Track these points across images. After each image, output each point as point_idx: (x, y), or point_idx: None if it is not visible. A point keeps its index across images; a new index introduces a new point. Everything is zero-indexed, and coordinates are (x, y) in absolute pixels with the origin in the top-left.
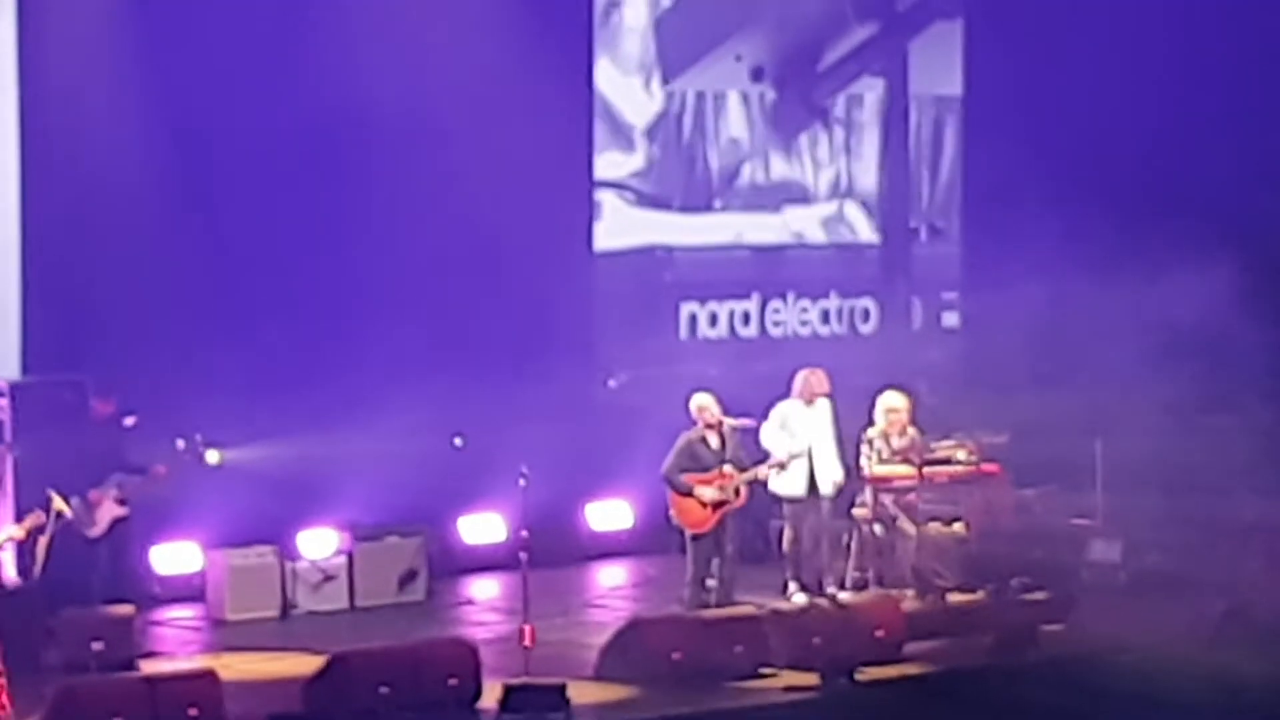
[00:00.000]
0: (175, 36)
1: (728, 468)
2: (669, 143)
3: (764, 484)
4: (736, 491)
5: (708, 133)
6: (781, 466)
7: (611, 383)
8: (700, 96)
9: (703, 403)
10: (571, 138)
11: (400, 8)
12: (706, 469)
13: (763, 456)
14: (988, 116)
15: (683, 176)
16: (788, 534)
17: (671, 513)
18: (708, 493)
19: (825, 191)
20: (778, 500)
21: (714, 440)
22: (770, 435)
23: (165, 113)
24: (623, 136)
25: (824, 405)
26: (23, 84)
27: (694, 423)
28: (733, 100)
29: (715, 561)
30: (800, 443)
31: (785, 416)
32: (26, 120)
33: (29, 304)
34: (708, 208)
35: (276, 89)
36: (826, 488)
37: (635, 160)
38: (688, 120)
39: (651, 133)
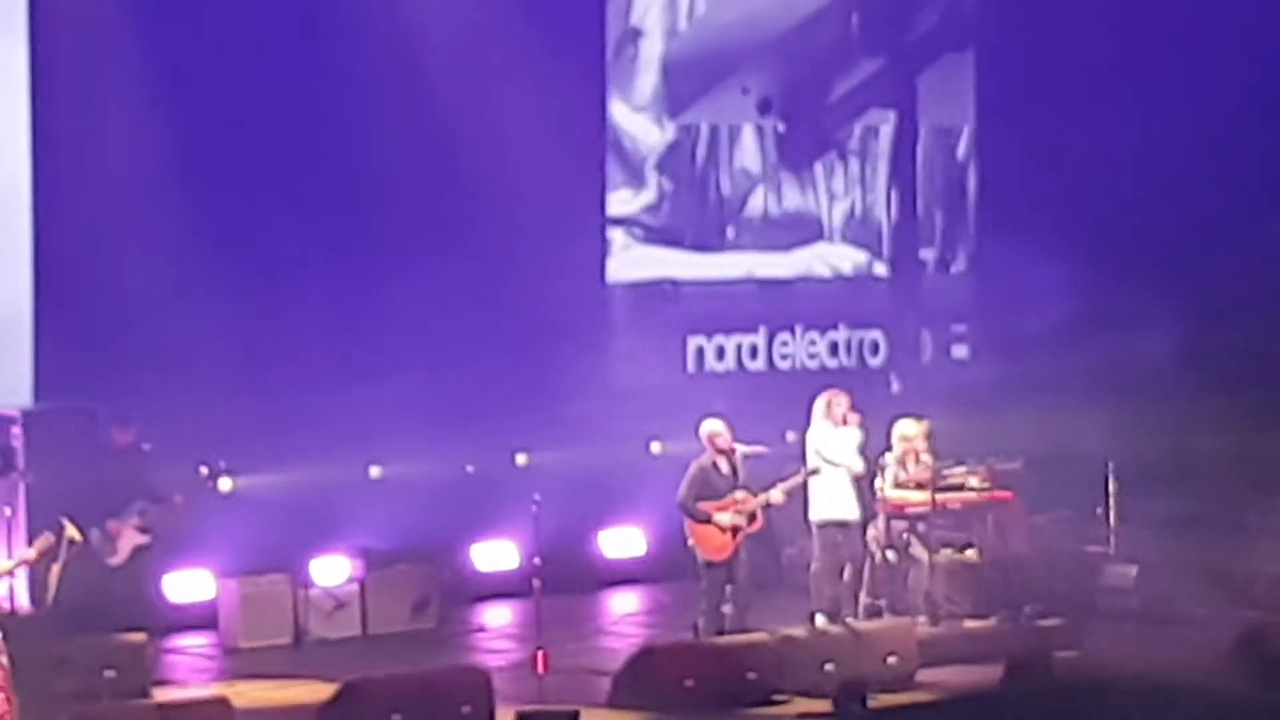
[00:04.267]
0: (192, 60)
1: (741, 493)
2: (681, 177)
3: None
4: (753, 516)
5: (721, 166)
6: (791, 490)
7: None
8: (714, 129)
9: (713, 429)
10: (585, 172)
11: (415, 46)
12: (720, 495)
13: (772, 482)
14: (998, 148)
15: (695, 212)
16: (819, 562)
17: (690, 541)
18: (725, 519)
19: (839, 225)
20: (810, 526)
21: (725, 466)
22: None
23: (182, 139)
24: (634, 171)
25: (854, 428)
26: (35, 106)
27: (703, 449)
28: (746, 132)
29: (729, 588)
30: (835, 458)
31: (819, 440)
32: (39, 145)
33: (41, 331)
34: (720, 246)
35: (296, 121)
36: (856, 513)
37: (646, 196)
38: (701, 153)
39: (663, 166)
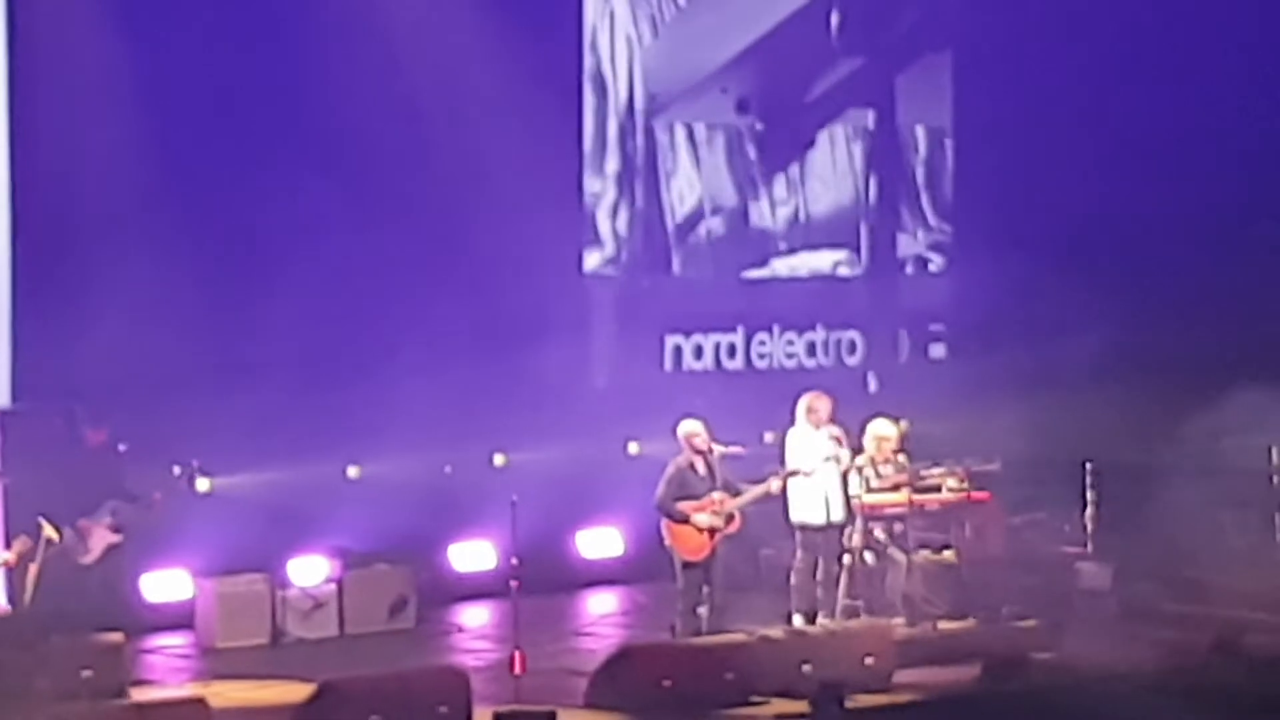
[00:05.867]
0: (175, 64)
1: (718, 494)
2: (630, 219)
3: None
4: (730, 517)
5: (667, 195)
6: (770, 489)
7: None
8: (650, 158)
9: (691, 429)
10: (560, 161)
11: (396, 47)
12: (696, 496)
13: (751, 482)
14: (977, 148)
15: (646, 256)
16: (800, 563)
17: (667, 541)
18: (703, 519)
19: (816, 225)
20: (791, 528)
21: (701, 467)
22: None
23: (162, 139)
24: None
25: (832, 430)
26: (12, 105)
27: (680, 449)
28: (683, 154)
29: (705, 589)
30: (805, 465)
31: (798, 442)
32: (16, 142)
33: (19, 331)
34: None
35: (277, 124)
36: (838, 515)
37: (605, 250)
38: (640, 189)
39: (614, 211)
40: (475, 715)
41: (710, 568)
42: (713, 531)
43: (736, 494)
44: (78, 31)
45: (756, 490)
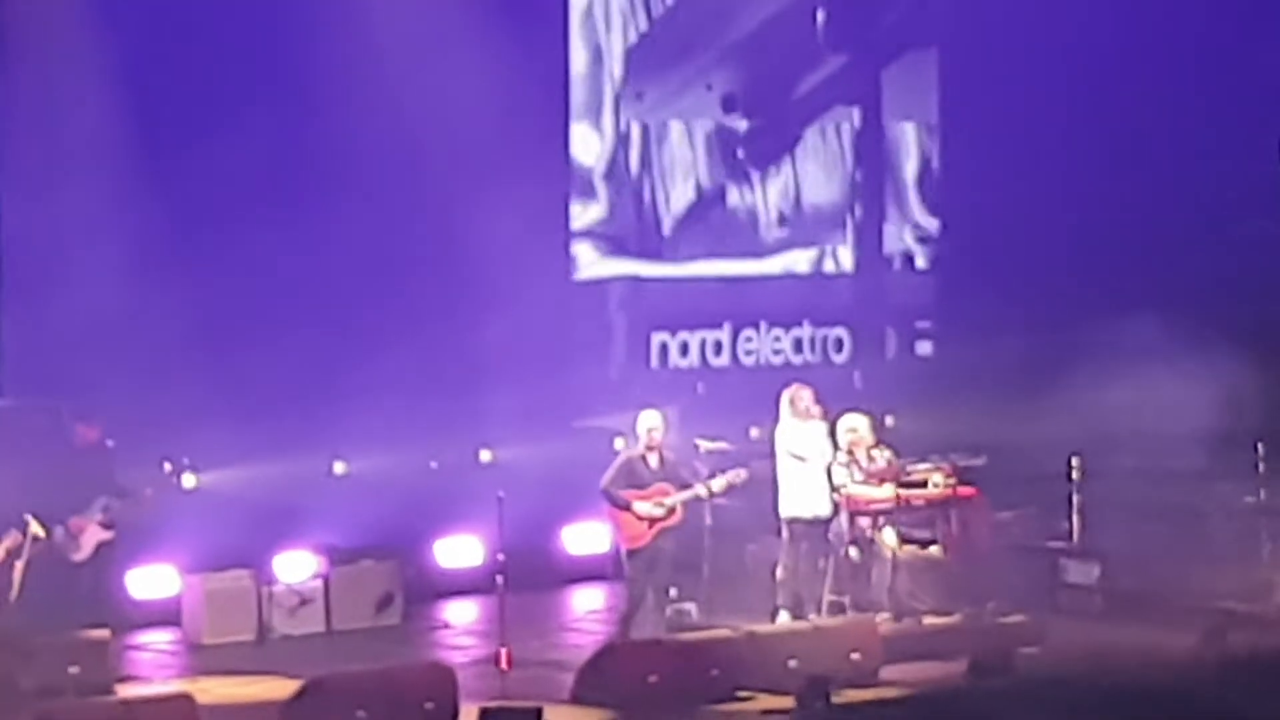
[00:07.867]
0: (157, 53)
1: (683, 491)
2: (627, 186)
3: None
4: (671, 509)
5: (658, 173)
6: (713, 490)
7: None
8: (662, 133)
9: (650, 423)
10: (547, 169)
11: (383, 44)
12: (644, 486)
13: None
14: (963, 144)
15: (646, 222)
16: (786, 558)
17: (610, 528)
18: (644, 507)
19: (803, 222)
20: (778, 523)
21: (654, 460)
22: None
23: (148, 134)
24: (582, 182)
25: (819, 421)
26: None
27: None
28: (676, 134)
29: (665, 580)
30: (797, 457)
31: (787, 436)
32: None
33: (4, 327)
34: (660, 254)
35: (262, 117)
36: (825, 509)
37: (597, 208)
38: (635, 161)
39: (610, 176)
40: (462, 711)
41: (653, 558)
42: (652, 521)
43: (683, 487)
44: (60, 33)
45: (699, 487)
